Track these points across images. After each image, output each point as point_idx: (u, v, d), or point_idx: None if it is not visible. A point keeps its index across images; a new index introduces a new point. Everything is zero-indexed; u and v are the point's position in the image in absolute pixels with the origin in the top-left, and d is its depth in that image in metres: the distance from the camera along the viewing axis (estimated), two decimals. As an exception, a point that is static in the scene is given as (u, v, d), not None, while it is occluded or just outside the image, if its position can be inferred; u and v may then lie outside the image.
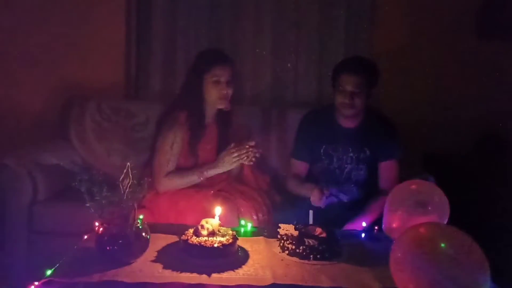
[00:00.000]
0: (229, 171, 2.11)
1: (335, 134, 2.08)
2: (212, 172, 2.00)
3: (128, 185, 1.46)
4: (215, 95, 2.01)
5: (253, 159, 1.96)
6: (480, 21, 2.73)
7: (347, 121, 2.05)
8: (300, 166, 2.14)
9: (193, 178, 2.00)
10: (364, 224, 1.85)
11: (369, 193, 2.06)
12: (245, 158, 1.95)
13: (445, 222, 1.59)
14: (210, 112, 2.08)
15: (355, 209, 1.99)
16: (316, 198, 1.86)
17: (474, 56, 2.72)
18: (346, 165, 2.08)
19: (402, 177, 1.98)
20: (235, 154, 1.95)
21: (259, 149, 1.97)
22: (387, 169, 2.05)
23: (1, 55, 2.74)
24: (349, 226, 1.93)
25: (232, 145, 1.97)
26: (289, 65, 2.81)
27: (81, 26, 2.75)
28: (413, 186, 1.69)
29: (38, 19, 2.74)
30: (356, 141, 2.06)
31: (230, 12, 2.77)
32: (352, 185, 2.09)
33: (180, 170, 2.02)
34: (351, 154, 2.07)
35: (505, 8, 2.62)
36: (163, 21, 2.77)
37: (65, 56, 2.77)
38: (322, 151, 2.09)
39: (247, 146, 1.95)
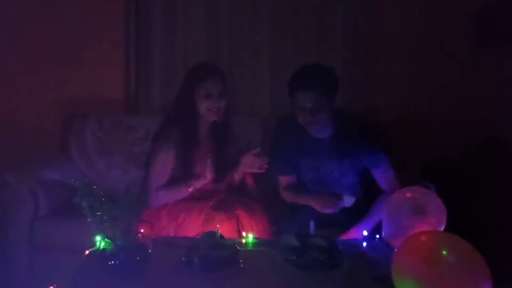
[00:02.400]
0: (231, 182, 2.11)
1: (309, 146, 1.95)
2: (197, 183, 2.01)
3: (129, 200, 1.47)
4: (207, 108, 2.01)
5: (265, 166, 1.98)
6: (478, 28, 2.75)
7: (318, 132, 1.92)
8: (287, 180, 2.05)
9: (180, 190, 2.01)
10: (365, 232, 1.84)
11: (368, 193, 1.98)
12: (255, 167, 1.99)
13: (443, 226, 1.59)
14: (204, 125, 2.08)
15: (357, 213, 1.96)
16: (329, 204, 1.82)
17: (473, 62, 2.73)
18: (331, 174, 1.98)
19: (403, 185, 1.97)
20: (209, 163, 1.96)
21: (264, 158, 1.99)
22: (381, 174, 1.94)
23: (1, 71, 2.75)
24: (354, 230, 1.90)
25: (210, 156, 1.98)
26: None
27: (80, 41, 2.78)
28: (408, 194, 1.69)
29: (39, 35, 2.76)
30: (332, 151, 1.93)
31: (228, 25, 2.80)
32: (345, 191, 1.98)
33: (168, 183, 2.03)
34: (330, 166, 1.96)
35: (503, 14, 2.63)
36: (162, 35, 2.80)
37: (65, 71, 2.79)
38: (302, 164, 2.00)
39: (252, 153, 1.99)
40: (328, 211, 1.87)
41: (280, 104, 2.83)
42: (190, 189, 2.01)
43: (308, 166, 2.00)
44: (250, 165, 2.03)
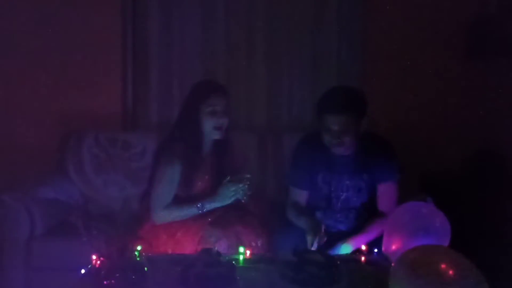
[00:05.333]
0: None
1: (330, 162, 1.99)
2: (210, 206, 1.98)
3: (125, 218, 1.46)
4: (212, 125, 2.01)
5: (245, 197, 1.95)
6: (471, 39, 2.77)
7: (341, 152, 1.96)
8: (299, 194, 2.06)
9: (192, 211, 1.98)
10: (363, 247, 1.83)
11: (370, 218, 1.99)
12: (241, 193, 1.95)
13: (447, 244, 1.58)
14: (207, 142, 2.08)
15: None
16: (312, 233, 1.79)
17: (467, 73, 2.74)
18: (341, 193, 2.01)
19: (400, 198, 1.97)
20: (232, 188, 1.94)
21: (250, 184, 1.95)
22: (386, 191, 1.98)
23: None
24: (342, 247, 1.88)
25: (228, 178, 1.96)
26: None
27: (76, 58, 2.78)
28: (414, 210, 1.68)
29: (34, 52, 2.77)
30: (352, 168, 1.98)
31: (224, 40, 2.82)
32: (349, 212, 2.02)
33: (178, 202, 2.01)
34: (347, 182, 2.00)
35: (496, 26, 2.65)
36: (159, 51, 2.81)
37: (61, 89, 2.79)
38: (320, 178, 2.02)
39: (244, 179, 1.95)
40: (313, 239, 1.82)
41: (276, 117, 2.86)
42: (202, 211, 1.97)
43: (325, 181, 2.01)
44: (229, 196, 1.96)
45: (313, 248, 1.73)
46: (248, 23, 2.82)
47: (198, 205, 1.97)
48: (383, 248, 1.72)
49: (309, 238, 1.77)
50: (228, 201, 1.97)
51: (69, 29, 2.78)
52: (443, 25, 2.77)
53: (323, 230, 1.78)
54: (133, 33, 2.82)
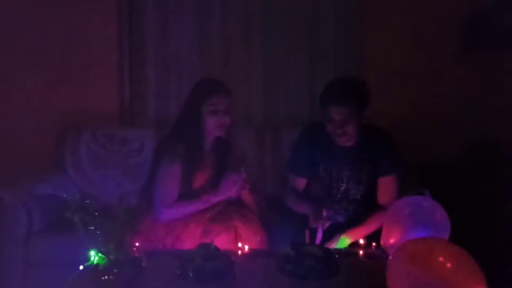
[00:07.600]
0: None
1: (332, 152, 2.01)
2: (215, 199, 1.99)
3: (122, 213, 1.46)
4: (214, 124, 2.01)
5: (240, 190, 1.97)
6: (468, 33, 2.77)
7: (344, 143, 1.98)
8: (298, 181, 2.09)
9: (198, 206, 1.99)
10: (361, 241, 1.84)
11: (369, 210, 2.01)
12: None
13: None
14: (208, 140, 2.08)
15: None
16: (314, 218, 1.82)
17: (464, 67, 2.74)
18: (341, 184, 2.03)
19: (398, 190, 1.98)
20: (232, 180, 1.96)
21: (246, 181, 1.98)
22: (386, 184, 1.99)
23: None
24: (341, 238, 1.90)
25: (229, 172, 1.97)
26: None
27: (74, 54, 2.78)
28: (414, 203, 1.68)
29: (32, 50, 2.77)
30: (354, 160, 2.00)
31: (221, 35, 2.81)
32: (349, 204, 2.04)
33: (181, 199, 2.00)
34: (347, 173, 2.02)
35: (491, 20, 2.65)
36: (156, 47, 2.81)
37: (58, 85, 2.79)
38: (321, 168, 2.04)
39: (240, 173, 1.96)
40: (316, 224, 1.85)
41: (274, 113, 2.85)
42: (207, 205, 1.98)
43: (326, 171, 2.04)
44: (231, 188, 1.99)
45: (318, 235, 1.76)
46: (245, 18, 2.81)
47: (203, 199, 1.97)
48: (381, 242, 1.72)
49: (312, 215, 1.79)
50: (230, 194, 1.99)
51: (66, 26, 2.77)
52: (441, 18, 2.77)
53: (325, 214, 1.80)
54: (129, 29, 2.82)
